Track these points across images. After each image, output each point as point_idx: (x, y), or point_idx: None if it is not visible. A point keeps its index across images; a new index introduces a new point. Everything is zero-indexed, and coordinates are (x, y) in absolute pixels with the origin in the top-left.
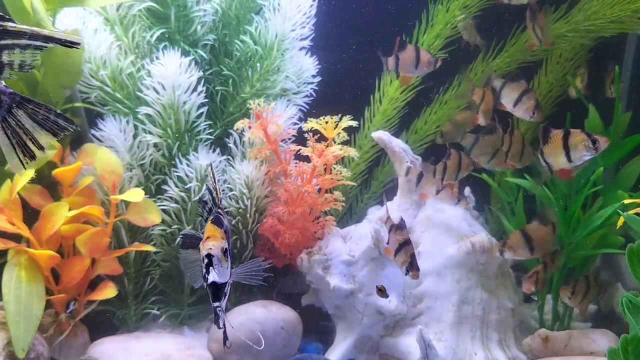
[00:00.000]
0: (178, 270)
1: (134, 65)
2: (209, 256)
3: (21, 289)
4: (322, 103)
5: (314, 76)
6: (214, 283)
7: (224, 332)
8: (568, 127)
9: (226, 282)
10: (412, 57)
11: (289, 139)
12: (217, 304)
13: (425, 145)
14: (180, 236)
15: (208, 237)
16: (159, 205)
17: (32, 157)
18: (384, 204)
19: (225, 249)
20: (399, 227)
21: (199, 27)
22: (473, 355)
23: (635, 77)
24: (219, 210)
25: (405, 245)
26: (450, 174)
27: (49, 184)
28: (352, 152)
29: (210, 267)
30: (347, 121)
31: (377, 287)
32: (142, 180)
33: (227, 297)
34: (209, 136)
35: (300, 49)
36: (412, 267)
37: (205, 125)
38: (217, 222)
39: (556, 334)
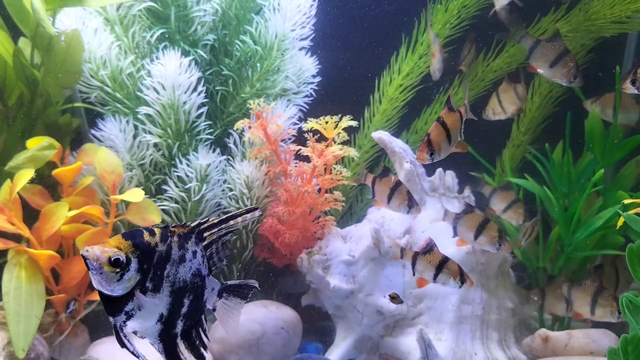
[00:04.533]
0: None
1: (134, 65)
2: (82, 257)
3: (21, 289)
4: (322, 103)
5: (314, 76)
6: (99, 292)
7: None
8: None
9: (123, 297)
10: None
11: (289, 139)
12: (110, 318)
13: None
14: None
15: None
16: (159, 205)
17: None
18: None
19: (118, 259)
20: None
21: (199, 27)
22: (473, 355)
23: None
24: (175, 231)
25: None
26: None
27: (49, 184)
28: (352, 152)
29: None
30: (347, 121)
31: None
32: (142, 180)
33: (146, 320)
34: (209, 136)
35: (300, 49)
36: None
37: (205, 125)
38: (127, 235)
39: (556, 334)
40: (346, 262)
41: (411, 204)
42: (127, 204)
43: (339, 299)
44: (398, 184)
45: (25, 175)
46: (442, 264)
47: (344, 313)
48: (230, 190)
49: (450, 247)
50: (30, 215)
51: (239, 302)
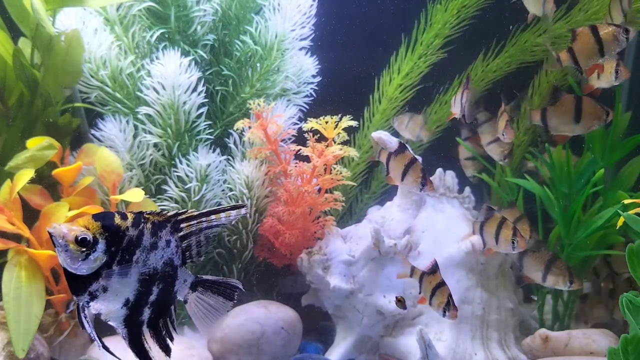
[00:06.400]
0: None
1: (134, 65)
2: (49, 234)
3: (21, 289)
4: (322, 103)
5: (314, 76)
6: (64, 270)
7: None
8: None
9: (88, 277)
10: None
11: (289, 139)
12: (74, 297)
13: (425, 145)
14: None
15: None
16: (159, 205)
17: None
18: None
19: (85, 239)
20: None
21: (199, 27)
22: (473, 355)
23: (636, 77)
24: (150, 218)
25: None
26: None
27: (49, 184)
28: (352, 152)
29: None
30: (347, 121)
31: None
32: (142, 180)
33: (107, 302)
34: (209, 136)
35: (300, 49)
36: None
37: (205, 125)
38: (97, 217)
39: (556, 334)
40: (346, 262)
41: (424, 181)
42: (127, 204)
43: (339, 299)
44: (413, 160)
45: (25, 175)
46: (436, 289)
47: (344, 313)
48: (230, 190)
49: (450, 247)
50: (30, 215)
51: (223, 301)
